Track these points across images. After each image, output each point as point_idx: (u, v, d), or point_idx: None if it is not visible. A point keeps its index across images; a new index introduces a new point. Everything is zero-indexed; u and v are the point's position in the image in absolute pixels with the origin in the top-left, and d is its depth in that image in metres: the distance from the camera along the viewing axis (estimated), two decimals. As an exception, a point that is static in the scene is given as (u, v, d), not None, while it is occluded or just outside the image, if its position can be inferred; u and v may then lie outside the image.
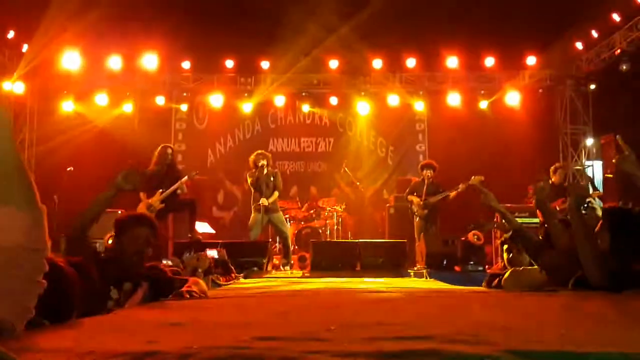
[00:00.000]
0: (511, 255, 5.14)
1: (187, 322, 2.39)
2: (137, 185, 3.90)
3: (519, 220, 11.04)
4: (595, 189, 11.42)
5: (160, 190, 9.53)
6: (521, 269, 4.73)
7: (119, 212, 4.02)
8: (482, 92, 14.35)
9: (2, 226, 1.89)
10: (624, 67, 12.11)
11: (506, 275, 4.69)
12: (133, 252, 3.80)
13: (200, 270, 5.35)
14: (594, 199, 9.70)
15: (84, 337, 2.00)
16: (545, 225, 4.47)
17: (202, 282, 4.23)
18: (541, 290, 3.79)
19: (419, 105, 14.77)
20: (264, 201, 10.09)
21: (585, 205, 8.50)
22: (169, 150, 10.07)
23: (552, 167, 10.55)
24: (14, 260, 1.91)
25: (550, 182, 10.21)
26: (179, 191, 9.76)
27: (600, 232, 3.66)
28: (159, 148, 10.04)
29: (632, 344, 1.53)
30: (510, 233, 4.88)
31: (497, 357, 1.36)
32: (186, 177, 9.77)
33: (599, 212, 8.70)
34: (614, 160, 3.61)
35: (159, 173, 9.76)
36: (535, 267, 4.47)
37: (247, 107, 14.57)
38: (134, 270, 3.77)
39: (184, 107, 14.59)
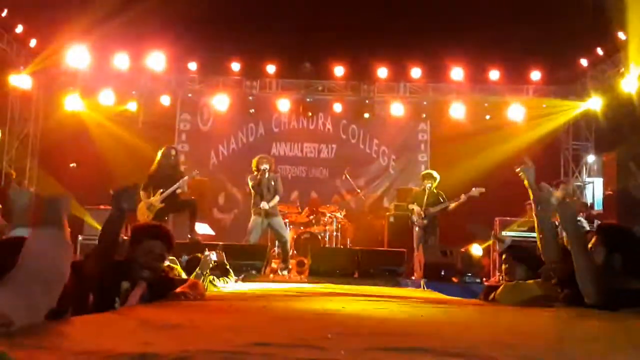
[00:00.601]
0: (508, 265, 5.12)
1: (184, 324, 2.40)
2: (136, 204, 3.86)
3: (517, 234, 11.12)
4: (585, 207, 11.44)
5: (161, 190, 9.55)
6: (514, 283, 4.72)
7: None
8: (486, 104, 14.37)
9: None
10: (629, 87, 12.08)
11: (499, 290, 4.68)
12: (144, 265, 3.65)
13: (199, 271, 5.35)
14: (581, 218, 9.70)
15: (80, 335, 2.00)
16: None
17: (200, 284, 4.24)
18: (537, 304, 3.79)
19: (423, 116, 14.80)
20: (264, 205, 10.09)
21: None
22: (173, 152, 10.09)
23: (554, 183, 10.55)
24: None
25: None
26: (179, 190, 9.77)
27: (593, 249, 3.67)
28: (163, 148, 10.06)
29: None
30: (510, 243, 4.87)
31: (491, 372, 1.37)
32: (187, 177, 9.80)
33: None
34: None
35: (161, 173, 9.77)
36: (530, 280, 4.47)
37: (251, 110, 14.60)
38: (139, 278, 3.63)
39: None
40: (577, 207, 3.52)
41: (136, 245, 3.71)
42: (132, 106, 14.29)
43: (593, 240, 3.72)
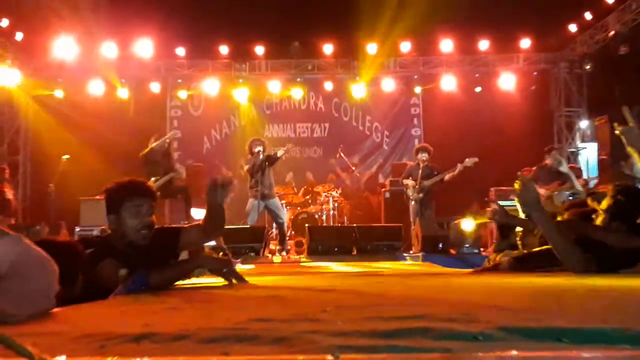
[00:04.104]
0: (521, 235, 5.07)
1: (184, 306, 2.40)
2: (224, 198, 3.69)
3: (514, 204, 11.12)
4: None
5: (154, 178, 9.56)
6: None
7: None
8: (477, 75, 14.35)
9: None
10: (623, 50, 12.05)
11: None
12: (137, 228, 3.37)
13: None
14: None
15: (80, 321, 2.01)
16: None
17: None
18: (537, 271, 3.80)
19: (414, 90, 14.78)
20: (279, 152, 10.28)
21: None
22: (167, 140, 10.20)
23: (546, 149, 10.57)
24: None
25: (544, 164, 10.20)
26: (176, 175, 9.86)
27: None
28: (156, 135, 10.10)
29: (627, 320, 1.54)
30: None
31: (489, 334, 1.37)
32: (182, 166, 9.88)
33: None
34: (617, 132, 3.52)
35: (153, 159, 9.82)
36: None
37: (242, 93, 14.55)
38: (144, 245, 3.40)
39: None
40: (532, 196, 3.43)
41: (117, 214, 3.38)
42: (122, 95, 14.22)
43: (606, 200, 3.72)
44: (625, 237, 3.49)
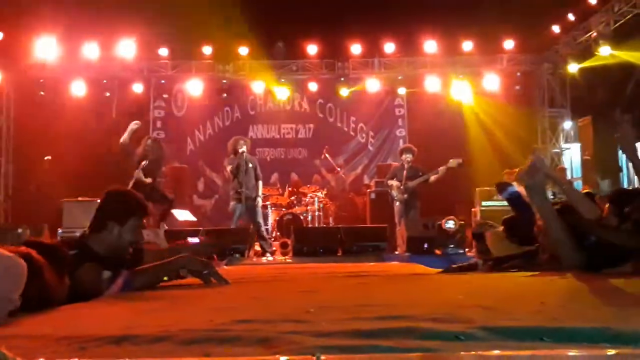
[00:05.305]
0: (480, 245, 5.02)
1: (166, 308, 2.39)
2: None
3: (498, 204, 11.16)
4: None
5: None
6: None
7: (98, 200, 3.64)
8: (461, 76, 14.40)
9: None
10: (604, 51, 12.15)
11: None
12: (132, 243, 3.41)
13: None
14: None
15: (61, 323, 1.99)
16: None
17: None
18: (522, 271, 3.80)
19: (398, 91, 14.81)
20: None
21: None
22: (150, 142, 10.16)
23: (531, 149, 10.64)
24: None
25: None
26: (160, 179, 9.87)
27: (607, 217, 3.66)
28: (145, 139, 10.14)
29: (607, 319, 1.55)
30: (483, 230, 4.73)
31: (471, 334, 1.38)
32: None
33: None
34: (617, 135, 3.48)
35: (127, 152, 10.01)
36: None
37: (225, 93, 14.52)
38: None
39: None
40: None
41: (121, 225, 3.35)
42: (104, 96, 14.13)
43: (607, 208, 3.70)
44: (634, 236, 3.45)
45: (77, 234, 3.75)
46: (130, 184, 9.34)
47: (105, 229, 3.33)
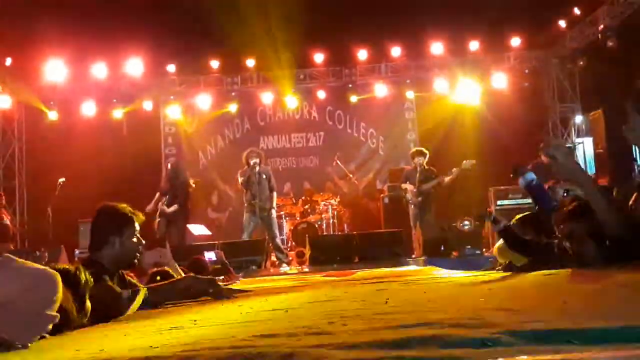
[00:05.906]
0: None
1: (187, 325, 2.39)
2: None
3: (511, 202, 11.11)
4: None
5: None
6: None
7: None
8: (469, 76, 14.33)
9: None
10: (611, 44, 12.07)
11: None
12: (138, 248, 3.60)
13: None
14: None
15: (85, 345, 1.99)
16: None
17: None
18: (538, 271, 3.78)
19: (407, 94, 14.79)
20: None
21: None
22: (170, 168, 11.32)
23: (541, 146, 10.53)
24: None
25: (539, 161, 10.16)
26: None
27: (634, 206, 3.65)
28: (171, 164, 11.37)
29: (631, 317, 1.53)
30: (502, 228, 4.69)
31: (497, 339, 1.36)
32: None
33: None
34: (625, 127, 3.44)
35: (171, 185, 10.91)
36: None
37: (234, 106, 14.56)
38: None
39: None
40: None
41: (120, 236, 3.52)
42: (115, 115, 14.21)
43: (634, 197, 3.68)
44: None
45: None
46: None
47: (107, 243, 3.50)
